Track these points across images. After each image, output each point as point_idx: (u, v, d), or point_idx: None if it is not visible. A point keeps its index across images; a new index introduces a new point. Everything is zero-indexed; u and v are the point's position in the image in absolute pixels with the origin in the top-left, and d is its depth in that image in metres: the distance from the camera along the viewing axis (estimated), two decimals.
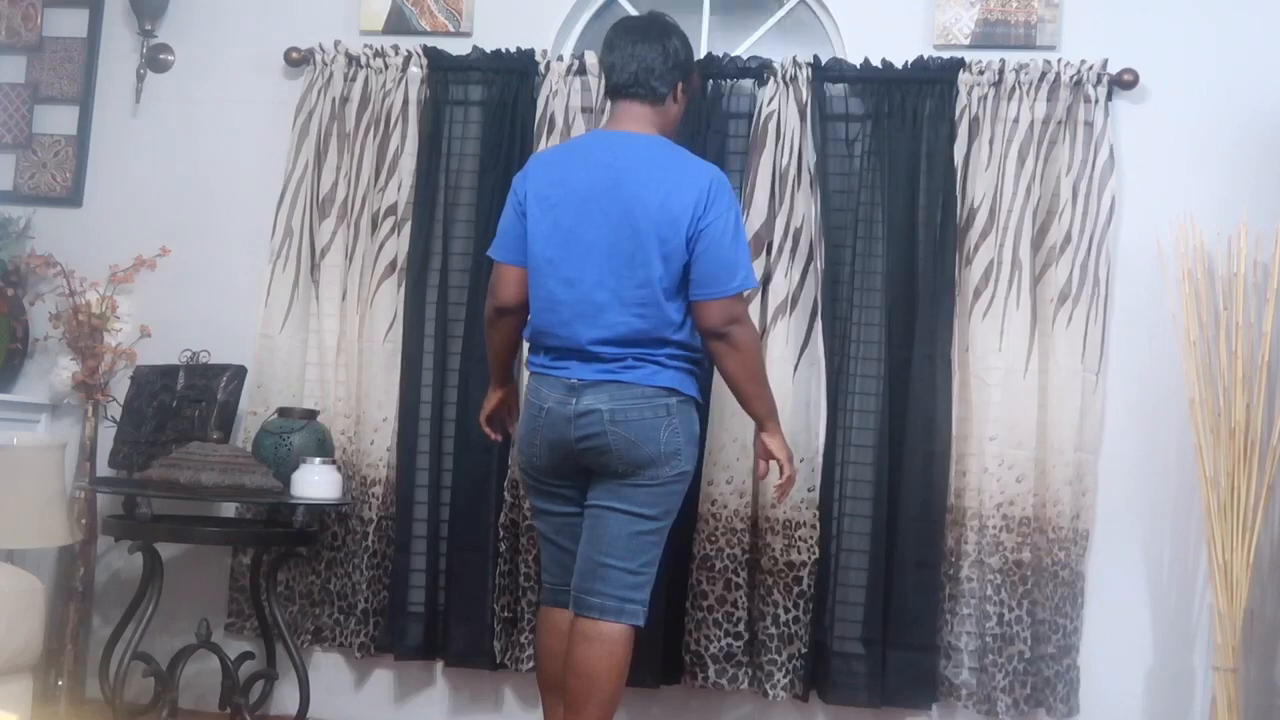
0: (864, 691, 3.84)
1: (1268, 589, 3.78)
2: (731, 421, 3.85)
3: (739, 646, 3.87)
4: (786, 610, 3.85)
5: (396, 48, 4.20)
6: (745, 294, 3.27)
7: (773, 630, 3.84)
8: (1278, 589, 3.79)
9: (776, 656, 3.84)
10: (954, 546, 3.86)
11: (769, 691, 3.83)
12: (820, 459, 3.87)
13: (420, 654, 4.06)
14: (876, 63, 3.98)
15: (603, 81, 3.47)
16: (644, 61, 3.22)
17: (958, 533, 3.86)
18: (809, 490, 3.87)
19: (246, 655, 4.00)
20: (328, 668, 4.16)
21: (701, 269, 3.13)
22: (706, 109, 4.00)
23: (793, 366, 3.92)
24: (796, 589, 3.85)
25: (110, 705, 3.76)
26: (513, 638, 3.99)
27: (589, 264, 3.15)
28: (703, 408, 3.59)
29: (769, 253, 3.92)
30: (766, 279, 3.91)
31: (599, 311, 3.14)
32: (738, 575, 3.88)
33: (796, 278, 3.93)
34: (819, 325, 3.90)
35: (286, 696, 4.01)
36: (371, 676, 4.18)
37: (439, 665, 4.12)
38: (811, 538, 3.85)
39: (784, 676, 3.84)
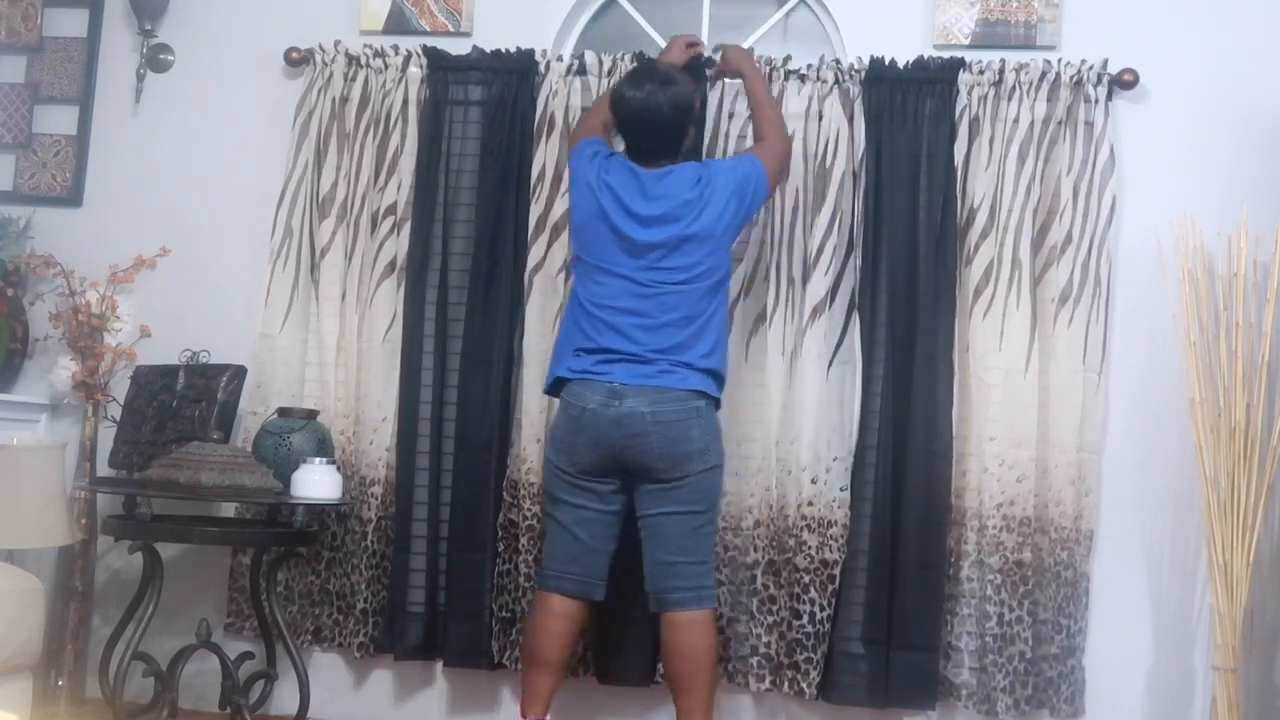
0: (866, 691, 3.84)
1: (1268, 589, 3.78)
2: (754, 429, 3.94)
3: (782, 647, 3.89)
4: (821, 609, 3.84)
5: (396, 48, 4.20)
6: None
7: (810, 629, 3.85)
8: (1278, 589, 3.78)
9: (813, 655, 3.84)
10: (954, 547, 3.85)
11: (805, 690, 3.83)
12: (852, 459, 3.88)
13: (420, 654, 4.05)
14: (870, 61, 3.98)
15: None
16: None
17: (958, 533, 3.85)
18: (841, 490, 3.88)
19: (246, 655, 3.99)
20: (327, 668, 4.15)
21: None
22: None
23: (826, 364, 3.93)
24: (830, 587, 3.85)
25: (110, 705, 3.76)
26: (511, 638, 3.99)
27: None
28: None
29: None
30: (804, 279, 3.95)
31: None
32: (772, 576, 3.90)
33: (834, 275, 3.95)
34: (855, 323, 3.91)
35: (286, 696, 4.01)
36: (371, 676, 4.17)
37: (438, 665, 4.11)
38: (842, 537, 3.85)
39: (818, 675, 3.84)
